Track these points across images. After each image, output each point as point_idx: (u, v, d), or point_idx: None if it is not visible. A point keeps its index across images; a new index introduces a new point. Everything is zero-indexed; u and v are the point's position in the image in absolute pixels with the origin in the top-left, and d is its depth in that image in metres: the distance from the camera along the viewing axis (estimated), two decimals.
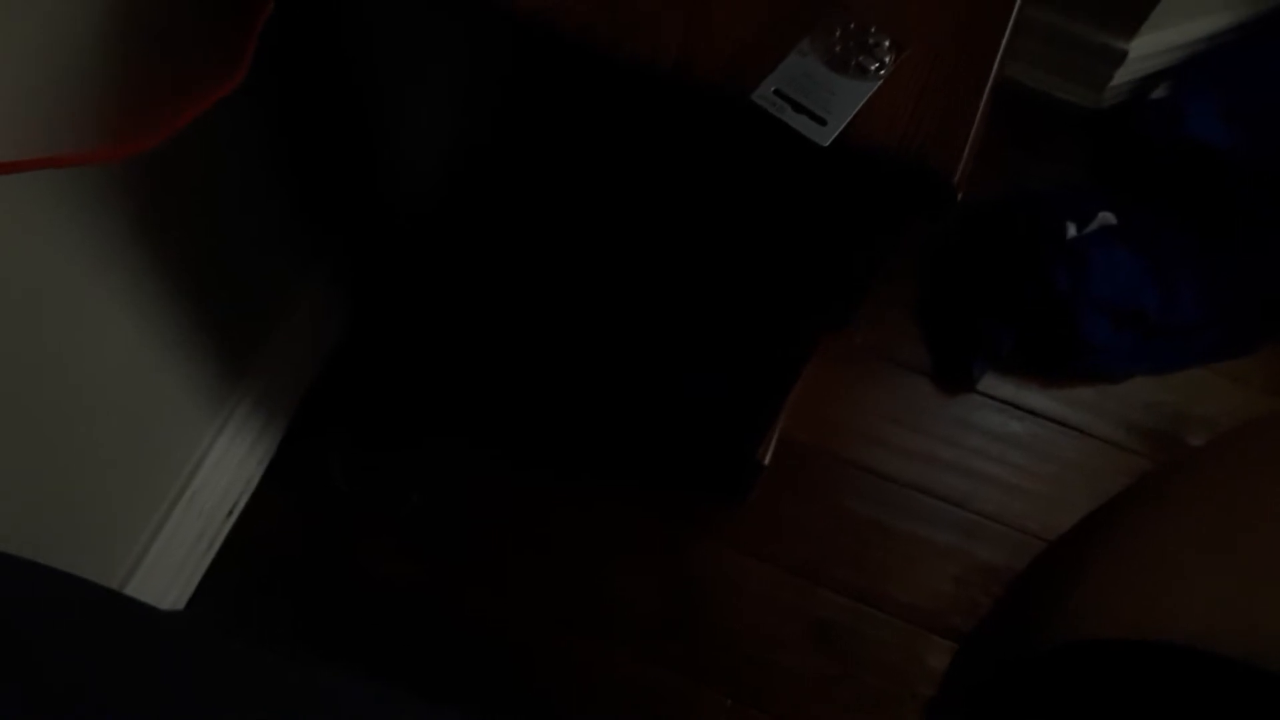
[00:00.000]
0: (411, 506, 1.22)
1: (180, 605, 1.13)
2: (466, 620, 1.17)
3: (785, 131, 0.62)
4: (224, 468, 1.12)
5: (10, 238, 0.69)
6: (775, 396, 1.04)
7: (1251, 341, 1.40)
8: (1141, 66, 1.49)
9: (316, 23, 0.84)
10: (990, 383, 1.37)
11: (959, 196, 0.62)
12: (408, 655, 1.15)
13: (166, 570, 1.08)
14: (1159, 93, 1.48)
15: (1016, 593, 0.86)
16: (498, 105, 0.83)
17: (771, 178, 0.71)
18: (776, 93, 0.63)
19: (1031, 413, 1.36)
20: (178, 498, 1.06)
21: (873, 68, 0.65)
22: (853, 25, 0.66)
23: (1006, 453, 1.33)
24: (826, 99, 0.63)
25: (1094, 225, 1.37)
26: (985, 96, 0.65)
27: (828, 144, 0.62)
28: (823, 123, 0.62)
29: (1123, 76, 1.50)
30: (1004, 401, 1.36)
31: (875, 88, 0.64)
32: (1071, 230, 1.36)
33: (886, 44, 0.66)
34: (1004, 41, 0.67)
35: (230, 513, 1.17)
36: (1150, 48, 1.46)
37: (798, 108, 0.63)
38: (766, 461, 1.19)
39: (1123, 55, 1.45)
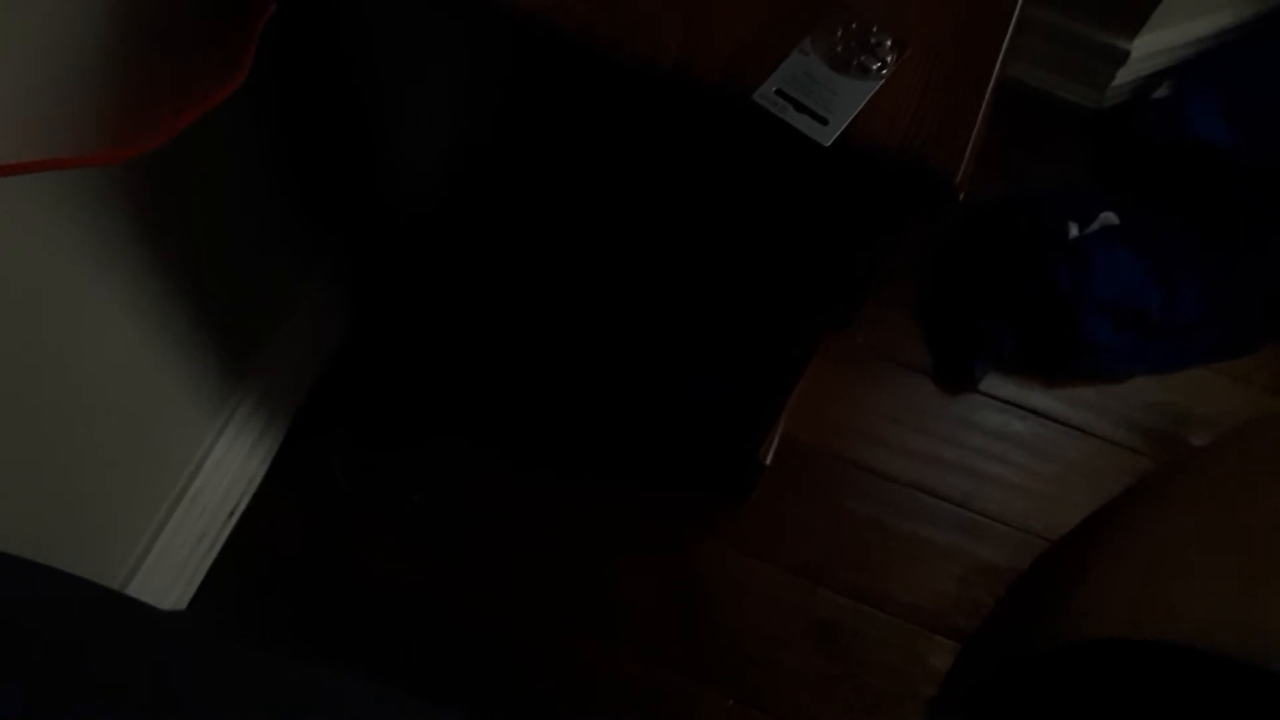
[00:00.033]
0: (413, 506, 1.22)
1: (182, 605, 1.13)
2: (468, 620, 1.17)
3: (787, 131, 0.62)
4: (226, 468, 1.12)
5: (11, 238, 0.69)
6: (777, 396, 1.04)
7: (1253, 341, 1.40)
8: (1143, 66, 1.49)
9: (316, 23, 0.84)
10: (992, 382, 1.36)
11: (961, 197, 0.62)
12: (409, 655, 1.15)
13: (168, 570, 1.08)
14: (1161, 92, 1.48)
15: (1019, 592, 0.86)
16: (498, 105, 0.83)
17: (773, 177, 0.71)
18: (778, 92, 0.63)
19: (1033, 412, 1.35)
20: (179, 498, 1.06)
21: (874, 67, 0.65)
22: (854, 25, 0.66)
23: (1008, 452, 1.33)
24: (828, 99, 0.63)
25: (1096, 225, 1.37)
26: (987, 97, 0.65)
27: (829, 144, 0.62)
28: (824, 122, 0.62)
29: (1125, 76, 1.50)
30: (1006, 401, 1.36)
31: (877, 87, 0.64)
32: (1074, 230, 1.36)
33: (888, 44, 0.66)
34: (1006, 41, 0.67)
35: (232, 513, 1.17)
36: (1152, 47, 1.46)
37: (799, 107, 0.63)
38: (768, 462, 1.19)
39: (1125, 55, 1.45)
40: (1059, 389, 1.37)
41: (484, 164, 0.92)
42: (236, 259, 1.00)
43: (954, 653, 1.20)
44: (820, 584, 1.22)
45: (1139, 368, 1.37)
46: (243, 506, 1.18)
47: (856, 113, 0.63)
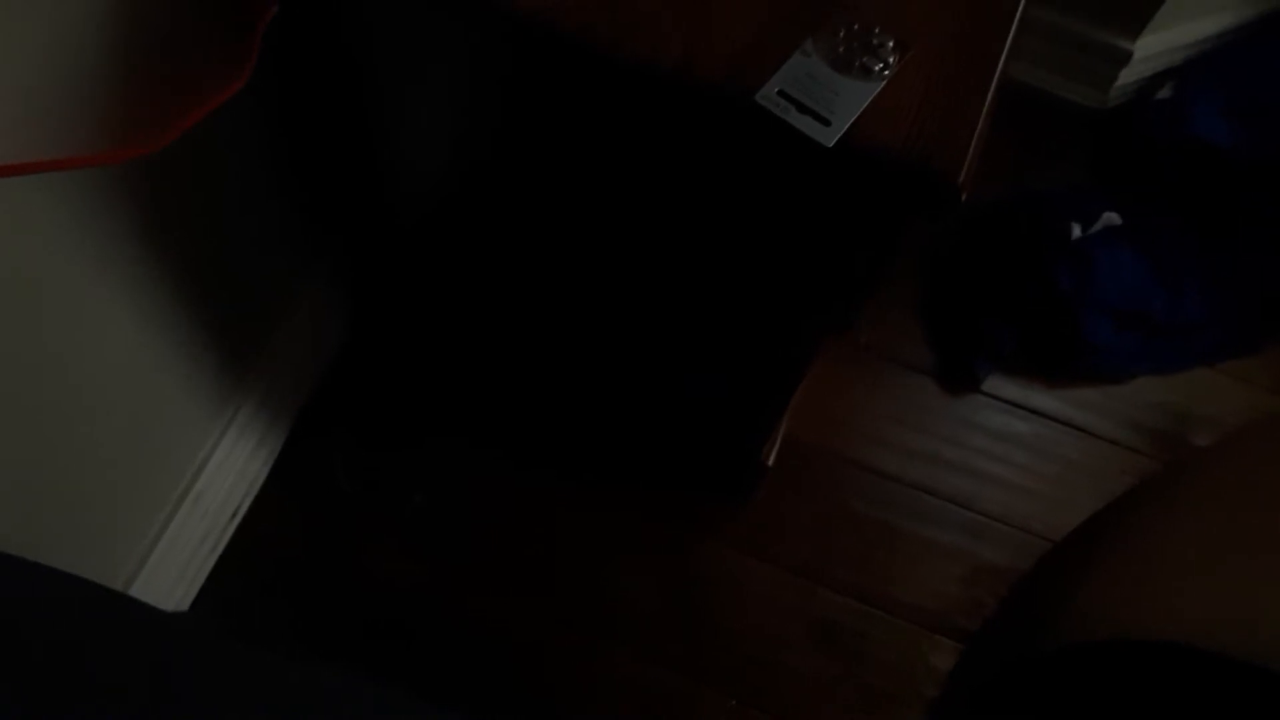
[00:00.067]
0: (414, 507, 1.22)
1: (185, 606, 1.13)
2: (468, 620, 1.17)
3: (789, 132, 0.62)
4: (228, 469, 1.12)
5: (11, 237, 0.69)
6: (779, 397, 1.04)
7: (1256, 341, 1.40)
8: (1146, 66, 1.49)
9: (317, 23, 0.84)
10: (994, 383, 1.36)
11: (964, 197, 0.62)
12: (410, 655, 1.15)
13: (171, 571, 1.08)
14: (1164, 93, 1.48)
15: (1022, 593, 0.86)
16: (499, 106, 0.83)
17: (775, 178, 0.71)
18: (780, 93, 0.63)
19: (1036, 413, 1.35)
20: (182, 498, 1.06)
21: (877, 68, 0.64)
22: (856, 26, 0.66)
23: (1011, 453, 1.33)
24: (830, 99, 0.63)
25: (1099, 226, 1.37)
26: (989, 97, 0.65)
27: (832, 145, 0.62)
28: (827, 123, 0.62)
29: (1127, 76, 1.49)
30: (1008, 402, 1.36)
31: (879, 88, 0.64)
32: (1076, 231, 1.36)
33: (890, 44, 0.65)
34: (1008, 42, 0.67)
35: (235, 514, 1.17)
36: (1155, 48, 1.46)
37: (802, 108, 0.63)
38: (770, 463, 1.19)
39: (1127, 55, 1.45)
40: (1061, 389, 1.37)
41: (484, 164, 0.92)
42: (237, 259, 1.00)
43: (956, 653, 1.20)
44: (822, 584, 1.22)
45: (1141, 368, 1.37)
46: (245, 507, 1.18)
47: (859, 114, 0.63)
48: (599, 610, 1.19)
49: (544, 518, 1.23)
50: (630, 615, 1.19)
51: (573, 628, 1.18)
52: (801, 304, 0.85)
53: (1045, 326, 1.36)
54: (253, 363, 1.10)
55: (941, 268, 1.43)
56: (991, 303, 1.38)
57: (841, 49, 0.65)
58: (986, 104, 0.64)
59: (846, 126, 0.62)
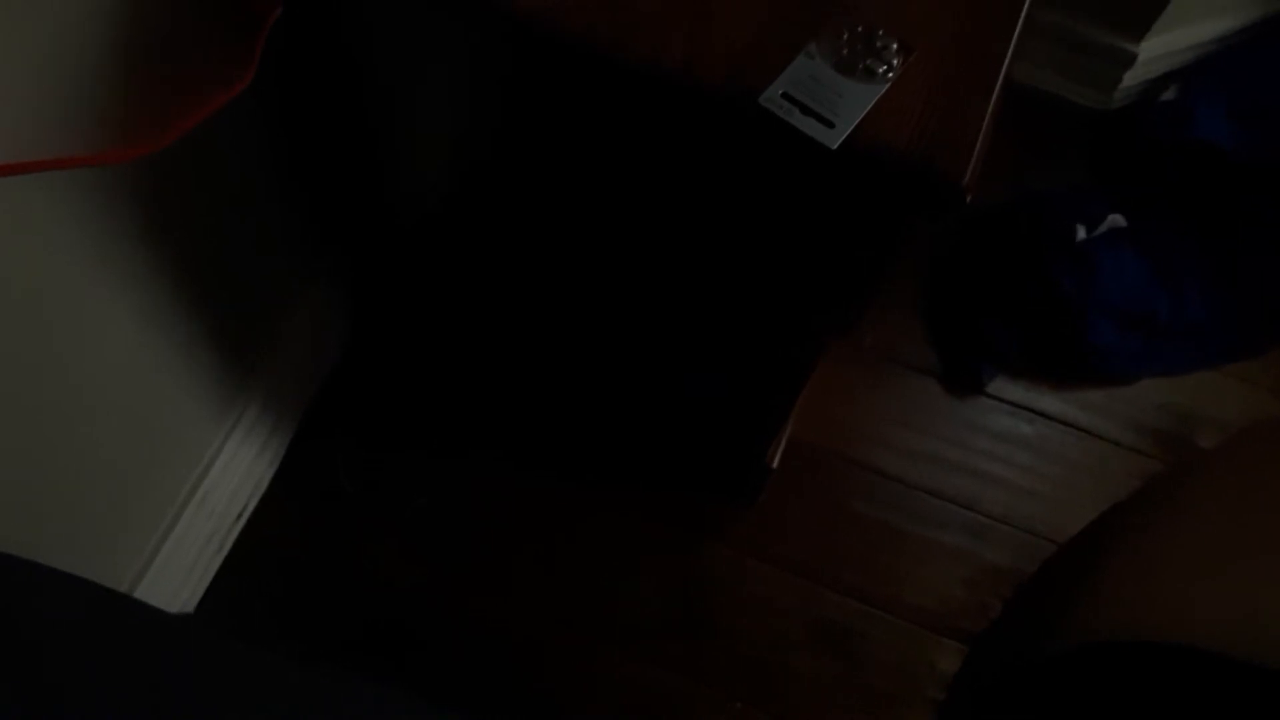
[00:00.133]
0: (415, 508, 1.22)
1: (191, 606, 1.13)
2: (469, 621, 1.17)
3: (793, 134, 0.62)
4: (234, 470, 1.12)
5: (11, 237, 0.69)
6: (783, 398, 1.04)
7: (1261, 343, 1.40)
8: (1150, 69, 1.49)
9: (318, 23, 0.84)
10: (999, 385, 1.36)
11: (968, 199, 0.62)
12: (411, 656, 1.15)
13: (177, 571, 1.08)
14: (1168, 95, 1.48)
15: (1026, 595, 0.86)
16: (499, 106, 0.83)
17: (778, 179, 0.71)
18: (784, 95, 0.63)
19: (1040, 415, 1.35)
20: (188, 499, 1.06)
21: (880, 70, 0.64)
22: (860, 28, 0.66)
23: (1015, 454, 1.32)
24: (834, 102, 0.63)
25: (1103, 228, 1.37)
26: (994, 99, 0.65)
27: (835, 147, 0.61)
28: (830, 125, 0.62)
29: (1131, 79, 1.49)
30: (1013, 404, 1.35)
31: (883, 91, 0.64)
32: (1081, 233, 1.36)
33: (894, 46, 0.65)
34: (1012, 44, 0.67)
35: (240, 515, 1.17)
36: (1159, 50, 1.46)
37: (805, 110, 0.62)
38: (775, 465, 1.18)
39: (1132, 57, 1.45)
40: (1066, 391, 1.36)
41: (485, 165, 0.92)
42: (237, 259, 1.00)
43: (958, 655, 1.19)
44: (824, 585, 1.22)
45: (1145, 370, 1.37)
46: (251, 508, 1.18)
47: (862, 116, 0.63)
48: (599, 610, 1.19)
49: (545, 518, 1.23)
50: (631, 615, 1.19)
51: (573, 628, 1.17)
52: (804, 305, 0.84)
53: (1047, 328, 1.35)
54: (255, 363, 1.10)
55: (942, 268, 1.43)
56: (993, 303, 1.38)
57: (845, 51, 0.65)
58: (991, 105, 0.64)
59: (850, 129, 0.62)
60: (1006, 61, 0.66)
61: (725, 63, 0.65)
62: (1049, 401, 1.36)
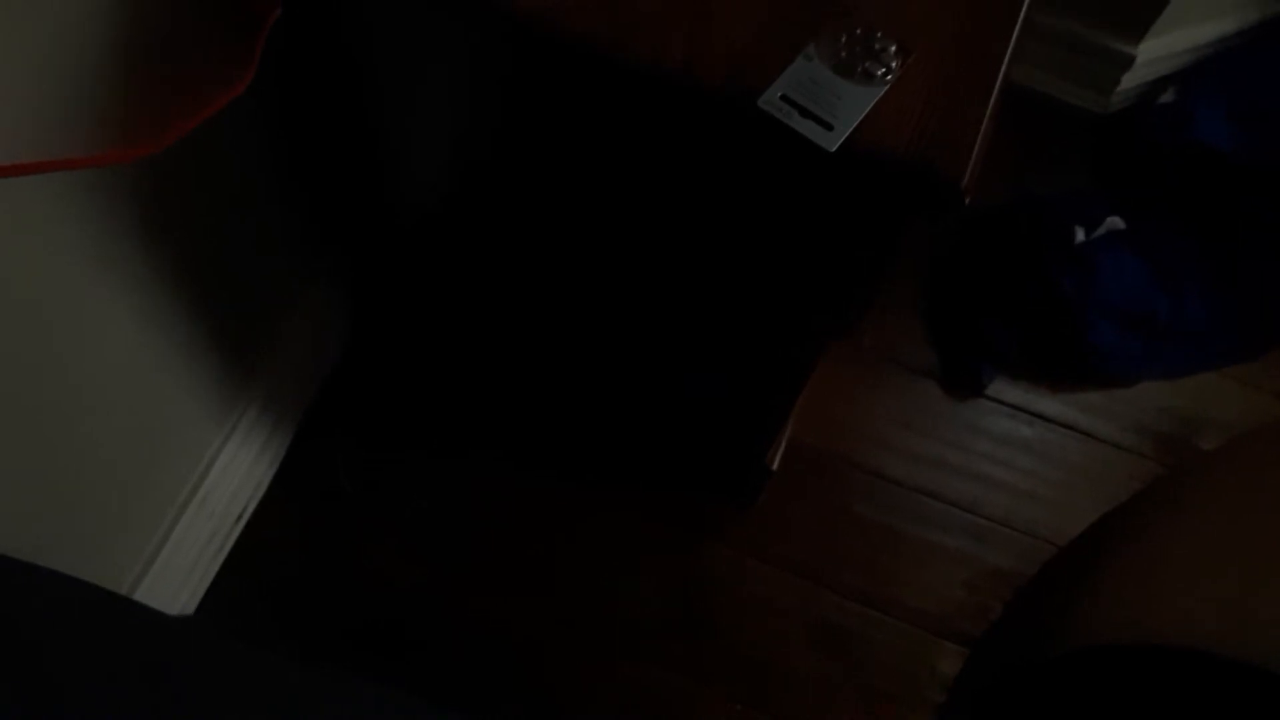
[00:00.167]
0: (415, 508, 1.22)
1: (191, 607, 1.13)
2: (469, 621, 1.17)
3: (792, 137, 0.62)
4: (234, 470, 1.12)
5: (11, 237, 0.69)
6: (782, 399, 1.04)
7: (1261, 346, 1.39)
8: (1149, 71, 1.49)
9: (318, 24, 0.84)
10: (999, 387, 1.36)
11: (968, 201, 0.62)
12: (411, 656, 1.15)
13: (178, 572, 1.08)
14: (1166, 97, 1.48)
15: (1027, 598, 0.86)
16: (499, 107, 0.83)
17: (777, 181, 0.71)
18: (783, 98, 0.63)
19: (1041, 417, 1.35)
20: (188, 500, 1.06)
21: (879, 73, 0.64)
22: (859, 30, 0.66)
23: (1016, 457, 1.32)
24: (833, 104, 0.63)
25: (1102, 230, 1.37)
26: (993, 101, 0.65)
27: (834, 150, 0.61)
28: (829, 128, 0.62)
29: (1130, 81, 1.49)
30: (1013, 406, 1.35)
31: (882, 93, 0.64)
32: (1080, 235, 1.36)
33: (893, 49, 0.65)
34: (1011, 46, 0.67)
35: (240, 515, 1.17)
36: (1158, 52, 1.46)
37: (804, 113, 0.62)
38: (775, 467, 1.18)
39: (1130, 60, 1.45)
40: (1067, 394, 1.36)
41: (485, 165, 0.92)
42: (237, 259, 1.00)
43: (959, 657, 1.19)
44: (824, 586, 1.22)
45: (1146, 371, 1.37)
46: (251, 509, 1.18)
47: (861, 118, 0.63)
48: (599, 610, 1.19)
49: (545, 519, 1.23)
50: (631, 616, 1.19)
51: (573, 628, 1.17)
52: (804, 305, 0.84)
53: (1047, 328, 1.35)
54: (256, 363, 1.10)
55: (942, 269, 1.43)
56: (992, 304, 1.38)
57: (844, 53, 0.65)
58: (990, 107, 0.64)
59: (849, 131, 0.62)
60: (1006, 62, 0.66)
61: (725, 64, 0.65)
62: (1049, 404, 1.36)
